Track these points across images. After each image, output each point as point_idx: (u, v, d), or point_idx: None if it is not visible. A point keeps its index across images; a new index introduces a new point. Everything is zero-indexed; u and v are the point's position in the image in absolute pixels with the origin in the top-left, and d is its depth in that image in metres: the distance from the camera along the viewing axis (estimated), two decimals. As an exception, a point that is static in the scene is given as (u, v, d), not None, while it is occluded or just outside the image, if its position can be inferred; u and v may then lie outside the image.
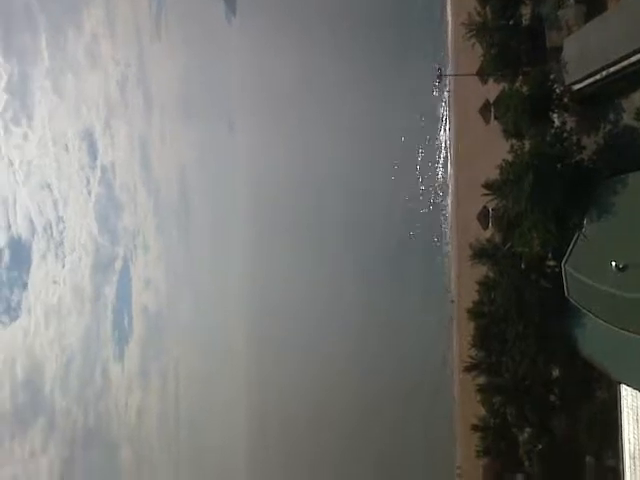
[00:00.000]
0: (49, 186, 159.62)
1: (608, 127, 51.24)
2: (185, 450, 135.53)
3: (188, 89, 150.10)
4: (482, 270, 61.44)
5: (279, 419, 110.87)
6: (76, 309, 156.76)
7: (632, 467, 45.70)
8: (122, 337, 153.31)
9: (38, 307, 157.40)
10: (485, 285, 60.13)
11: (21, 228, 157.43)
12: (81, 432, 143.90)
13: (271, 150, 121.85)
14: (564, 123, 52.97)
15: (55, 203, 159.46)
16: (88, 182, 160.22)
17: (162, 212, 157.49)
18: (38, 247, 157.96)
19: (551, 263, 54.77)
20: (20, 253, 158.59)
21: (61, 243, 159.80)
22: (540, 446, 57.04)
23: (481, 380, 62.28)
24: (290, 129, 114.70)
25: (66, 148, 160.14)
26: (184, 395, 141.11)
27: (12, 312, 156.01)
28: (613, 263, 44.27)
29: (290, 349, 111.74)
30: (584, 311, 48.54)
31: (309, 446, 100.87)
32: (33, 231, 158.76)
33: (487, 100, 70.18)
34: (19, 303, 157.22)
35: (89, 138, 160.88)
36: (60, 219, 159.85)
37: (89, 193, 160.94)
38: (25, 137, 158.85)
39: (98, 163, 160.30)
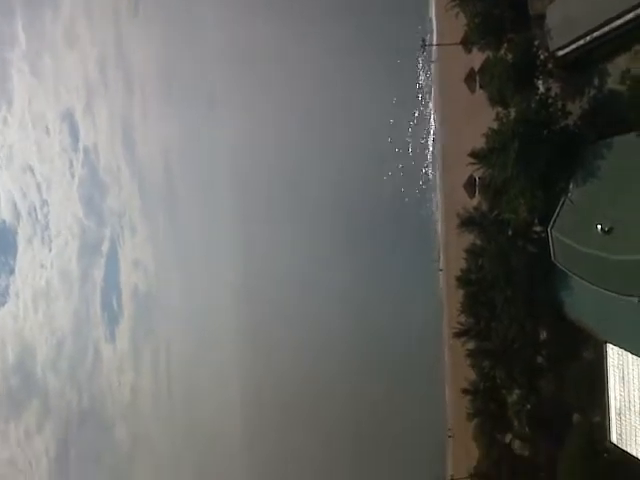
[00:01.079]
0: (31, 169, 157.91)
1: (593, 92, 51.73)
2: (181, 424, 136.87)
3: (168, 66, 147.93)
4: (469, 238, 62.26)
5: (273, 387, 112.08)
6: (64, 292, 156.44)
7: (618, 422, 47.39)
8: (112, 318, 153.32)
9: (26, 291, 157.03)
10: (473, 253, 61.03)
11: (5, 212, 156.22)
12: (76, 412, 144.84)
13: (255, 124, 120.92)
14: (549, 89, 53.39)
15: (38, 186, 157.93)
16: (71, 164, 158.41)
17: (147, 192, 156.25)
18: (24, 231, 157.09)
19: (538, 229, 55.71)
20: (6, 238, 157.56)
21: (46, 227, 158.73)
22: (529, 406, 58.60)
23: (471, 345, 63.61)
24: (274, 102, 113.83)
25: (47, 131, 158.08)
26: (177, 371, 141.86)
27: (0, 297, 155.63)
28: (599, 226, 45.16)
29: (281, 321, 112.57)
30: (570, 274, 49.62)
31: (303, 411, 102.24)
32: (17, 215, 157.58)
33: (472, 69, 70.38)
34: (7, 288, 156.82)
35: (70, 120, 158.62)
36: (44, 202, 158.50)
37: (72, 175, 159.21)
38: (4, 121, 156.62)
39: (80, 145, 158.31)
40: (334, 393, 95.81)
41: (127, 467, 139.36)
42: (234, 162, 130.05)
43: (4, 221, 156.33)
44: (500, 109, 55.79)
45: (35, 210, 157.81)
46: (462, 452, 69.45)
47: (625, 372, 46.52)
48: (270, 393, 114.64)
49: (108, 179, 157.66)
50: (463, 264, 62.41)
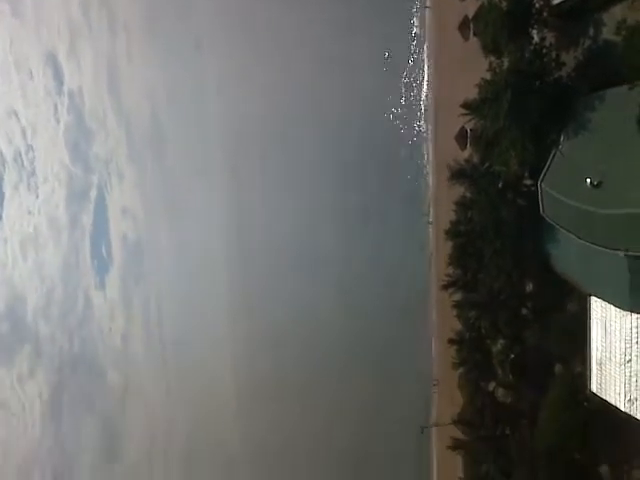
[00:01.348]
0: (16, 114, 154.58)
1: (588, 42, 50.75)
2: (172, 371, 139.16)
3: (153, 6, 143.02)
4: (459, 191, 61.99)
5: (264, 333, 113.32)
6: (53, 239, 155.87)
7: (598, 372, 48.72)
8: (102, 266, 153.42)
9: (14, 238, 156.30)
10: (462, 205, 60.95)
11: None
12: (67, 358, 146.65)
13: (245, 68, 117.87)
14: (543, 39, 52.31)
15: (23, 132, 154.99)
16: (56, 109, 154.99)
17: (134, 138, 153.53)
18: (9, 177, 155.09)
19: (528, 182, 55.65)
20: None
21: (33, 173, 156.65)
22: (513, 356, 59.92)
23: (458, 296, 64.29)
24: (264, 46, 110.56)
25: (30, 74, 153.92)
26: (168, 318, 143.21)
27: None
28: (588, 180, 45.15)
29: (272, 268, 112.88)
30: (558, 228, 49.91)
31: (294, 359, 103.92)
32: (3, 161, 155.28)
33: (466, 16, 68.54)
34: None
35: (53, 62, 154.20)
36: (30, 148, 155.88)
37: (57, 121, 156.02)
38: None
39: (65, 89, 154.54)
40: (323, 340, 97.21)
41: (120, 412, 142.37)
42: (223, 105, 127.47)
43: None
44: (493, 58, 54.66)
45: (20, 156, 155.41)
46: (447, 400, 71.29)
47: (607, 324, 47.51)
48: (262, 339, 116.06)
49: (94, 125, 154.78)
50: (452, 217, 62.41)
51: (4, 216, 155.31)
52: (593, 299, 48.55)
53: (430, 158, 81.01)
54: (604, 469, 52.09)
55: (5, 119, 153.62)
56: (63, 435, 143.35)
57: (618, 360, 46.58)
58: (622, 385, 46.24)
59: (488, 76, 52.74)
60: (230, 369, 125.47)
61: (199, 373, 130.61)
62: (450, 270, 64.05)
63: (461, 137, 70.60)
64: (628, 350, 45.68)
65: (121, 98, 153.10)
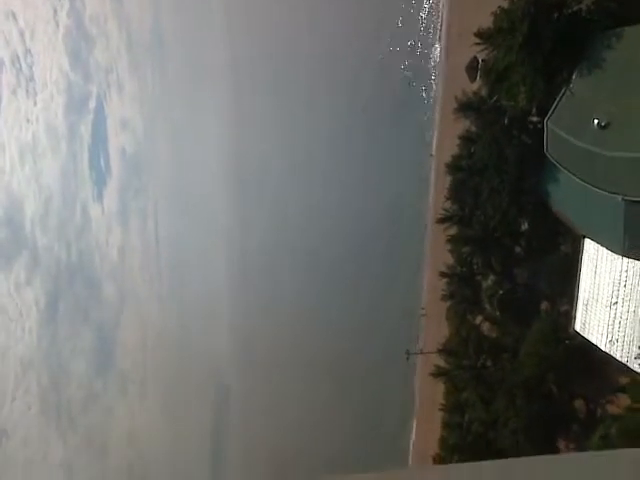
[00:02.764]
0: (14, 15, 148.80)
1: (612, -27, 48.51)
2: (168, 286, 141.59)
3: None
4: (465, 125, 60.99)
5: (260, 253, 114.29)
6: (51, 149, 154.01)
7: (583, 312, 49.90)
8: (100, 178, 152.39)
9: (12, 145, 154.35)
10: (466, 139, 60.21)
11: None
12: (64, 268, 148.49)
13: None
14: (568, -35, 49.98)
15: (21, 34, 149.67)
16: (55, 12, 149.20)
17: (135, 47, 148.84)
18: (8, 81, 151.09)
19: (534, 119, 54.71)
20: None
21: (31, 78, 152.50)
22: (501, 292, 60.95)
23: (452, 231, 64.57)
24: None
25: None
26: (164, 234, 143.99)
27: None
28: (596, 120, 44.43)
29: (270, 191, 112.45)
30: (561, 168, 49.58)
31: (289, 279, 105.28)
32: (0, 63, 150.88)
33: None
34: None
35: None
36: (28, 51, 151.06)
37: (57, 24, 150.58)
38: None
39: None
40: (317, 264, 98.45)
41: (114, 322, 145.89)
42: (230, 18, 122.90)
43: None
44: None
45: (19, 59, 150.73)
46: (434, 330, 72.86)
47: (598, 266, 48.20)
48: (257, 255, 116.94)
49: (95, 30, 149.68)
50: (455, 151, 61.68)
51: (1, 122, 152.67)
52: (587, 241, 48.99)
53: (439, 88, 79.07)
54: (579, 402, 54.32)
55: (2, 20, 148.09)
56: (59, 342, 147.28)
57: (604, 302, 47.55)
58: (605, 326, 47.43)
59: (505, 4, 50.88)
60: (225, 280, 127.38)
61: (194, 287, 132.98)
62: (447, 204, 63.91)
63: (472, 68, 68.60)
64: (615, 293, 46.57)
65: (123, 3, 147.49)
